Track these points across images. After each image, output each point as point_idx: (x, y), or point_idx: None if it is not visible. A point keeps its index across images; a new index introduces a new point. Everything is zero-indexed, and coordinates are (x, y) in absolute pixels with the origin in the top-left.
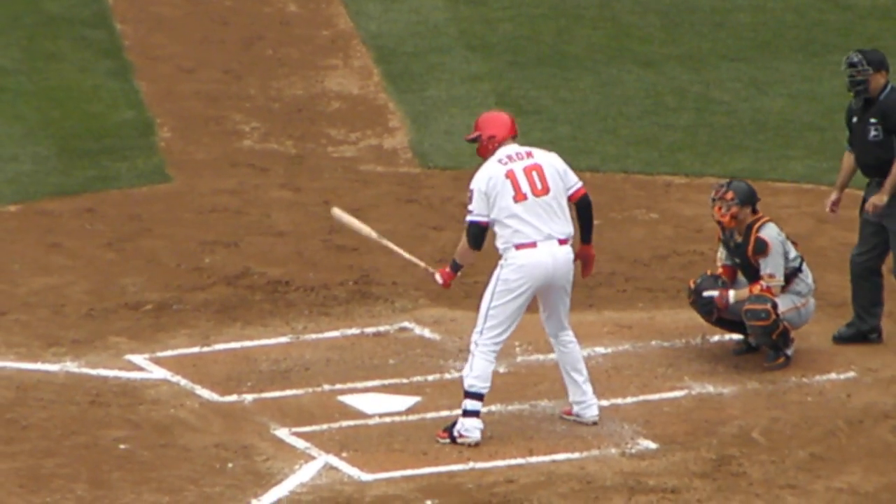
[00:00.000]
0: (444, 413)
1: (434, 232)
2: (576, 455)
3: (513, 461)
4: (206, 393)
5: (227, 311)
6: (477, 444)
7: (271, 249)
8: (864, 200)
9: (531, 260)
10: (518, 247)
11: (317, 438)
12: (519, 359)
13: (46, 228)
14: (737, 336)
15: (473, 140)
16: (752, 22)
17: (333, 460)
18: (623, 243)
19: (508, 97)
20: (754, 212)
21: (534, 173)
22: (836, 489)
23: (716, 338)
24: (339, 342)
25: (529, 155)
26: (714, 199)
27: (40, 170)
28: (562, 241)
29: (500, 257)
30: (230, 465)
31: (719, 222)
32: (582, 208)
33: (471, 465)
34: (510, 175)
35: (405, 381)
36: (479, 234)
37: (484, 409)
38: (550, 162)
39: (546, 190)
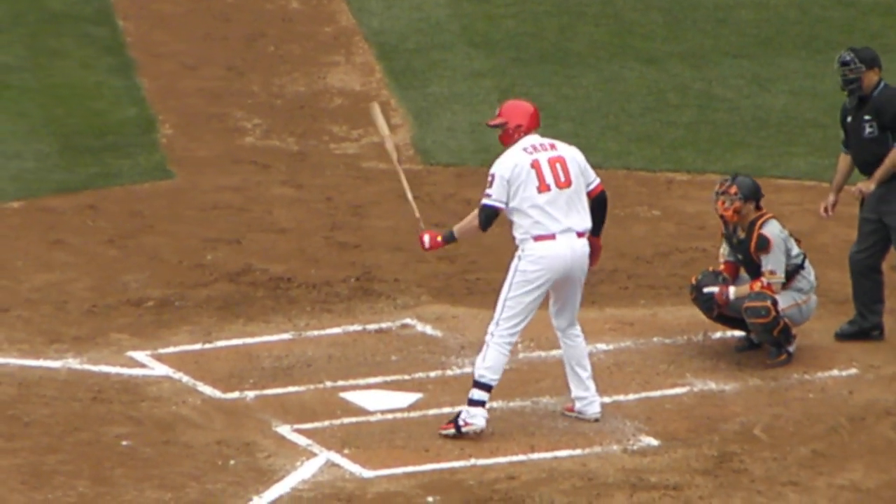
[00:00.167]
0: (447, 409)
1: (436, 229)
2: (577, 452)
3: (514, 458)
4: (207, 390)
5: (229, 308)
6: (481, 432)
7: (273, 246)
8: (864, 199)
9: (550, 252)
10: (537, 238)
11: (319, 435)
12: (521, 355)
13: (49, 225)
14: (739, 333)
15: (498, 126)
16: (755, 19)
17: (335, 457)
18: (625, 240)
19: (511, 94)
20: (758, 208)
21: (557, 165)
22: (837, 486)
23: (718, 334)
24: (341, 339)
25: (553, 147)
26: (718, 194)
27: (43, 167)
28: (580, 234)
29: (516, 248)
30: (232, 461)
31: (722, 217)
32: (599, 203)
33: (472, 461)
34: (535, 165)
35: (407, 377)
36: (492, 218)
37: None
38: (573, 156)
39: (569, 183)
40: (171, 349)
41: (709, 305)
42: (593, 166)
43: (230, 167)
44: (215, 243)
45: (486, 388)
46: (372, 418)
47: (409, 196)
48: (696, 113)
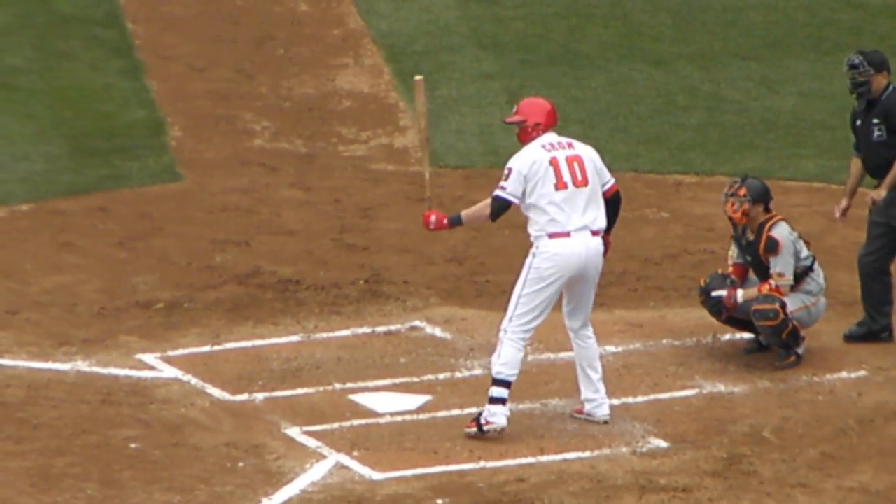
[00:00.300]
0: (455, 412)
1: (445, 231)
2: (587, 454)
3: (524, 460)
4: (216, 392)
5: (238, 310)
6: (502, 430)
7: (282, 248)
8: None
9: (564, 250)
10: (552, 235)
11: (328, 437)
12: (530, 357)
13: (58, 227)
14: (748, 335)
15: (515, 123)
16: (764, 20)
17: (344, 459)
18: (634, 242)
19: (520, 96)
20: (767, 210)
21: (575, 164)
22: (847, 488)
23: (727, 337)
24: (350, 341)
25: (570, 145)
26: (727, 195)
27: (52, 169)
28: (594, 233)
29: (531, 245)
30: (241, 464)
31: (731, 219)
32: (613, 203)
33: (482, 463)
34: (553, 162)
35: (416, 379)
36: (503, 210)
37: None
38: (590, 156)
39: (585, 181)
40: (180, 351)
41: (718, 309)
42: None
43: (239, 169)
44: (224, 245)
45: (504, 384)
46: (381, 420)
47: (427, 174)
48: (705, 115)
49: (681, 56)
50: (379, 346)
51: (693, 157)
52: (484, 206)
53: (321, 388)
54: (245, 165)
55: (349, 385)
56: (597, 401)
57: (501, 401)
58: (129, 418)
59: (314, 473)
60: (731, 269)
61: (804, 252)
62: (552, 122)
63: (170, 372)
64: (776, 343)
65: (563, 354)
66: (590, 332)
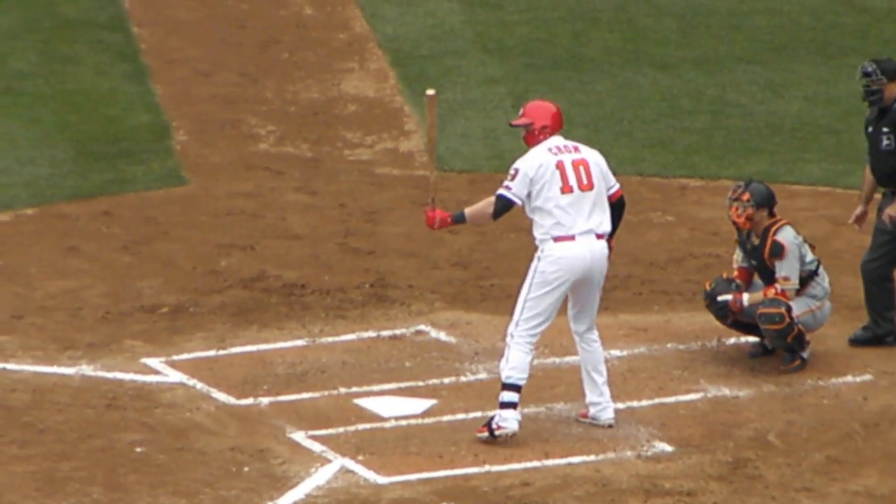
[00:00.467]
0: (461, 416)
1: (450, 235)
2: (591, 458)
3: (528, 464)
4: (221, 396)
5: (242, 314)
6: (513, 435)
7: (287, 252)
8: (880, 209)
9: (570, 253)
10: (556, 239)
11: (333, 441)
12: (535, 362)
13: (63, 232)
14: (752, 339)
15: (522, 126)
16: (768, 25)
17: (349, 463)
18: (639, 246)
19: (524, 100)
20: (771, 214)
21: (581, 168)
22: (852, 492)
23: (731, 340)
24: (355, 345)
25: (576, 149)
26: (731, 200)
27: (57, 173)
28: (599, 237)
29: (536, 249)
30: (246, 468)
31: (735, 223)
32: (617, 208)
33: (486, 467)
34: (560, 166)
35: (421, 383)
36: (505, 209)
37: None
38: (595, 159)
39: (591, 185)
40: (185, 356)
41: (723, 313)
42: None
43: (244, 173)
44: (229, 249)
45: (514, 388)
46: (386, 424)
47: (433, 178)
48: (710, 119)
49: (685, 60)
50: (384, 350)
51: (698, 161)
52: (487, 204)
53: (326, 393)
54: (250, 170)
55: (354, 389)
56: (601, 404)
57: (512, 405)
58: (135, 422)
59: (319, 477)
60: (736, 273)
61: (809, 256)
62: (559, 126)
63: (175, 376)
64: (781, 347)
65: (568, 359)
66: (595, 335)
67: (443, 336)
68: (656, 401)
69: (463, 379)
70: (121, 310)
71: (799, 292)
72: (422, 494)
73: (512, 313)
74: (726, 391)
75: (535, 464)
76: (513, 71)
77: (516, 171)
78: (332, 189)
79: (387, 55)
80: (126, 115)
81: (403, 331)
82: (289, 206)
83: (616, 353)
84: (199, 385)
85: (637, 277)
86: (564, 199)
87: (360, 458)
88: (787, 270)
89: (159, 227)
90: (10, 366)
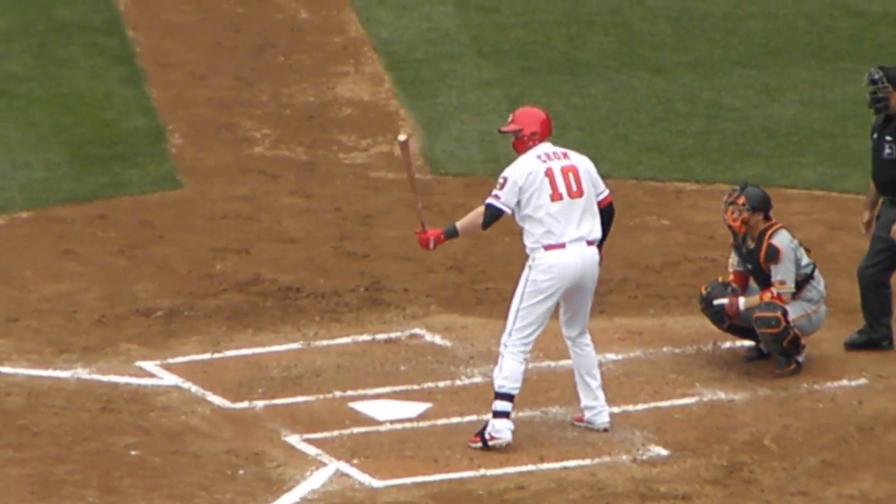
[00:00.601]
0: (456, 420)
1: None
2: (587, 462)
3: (524, 468)
4: (217, 399)
5: (238, 318)
6: (507, 445)
7: (282, 256)
8: (878, 217)
9: (561, 261)
10: (547, 247)
11: (328, 445)
12: (530, 365)
13: (58, 235)
14: (748, 343)
15: (511, 133)
16: (764, 29)
17: (344, 467)
18: (634, 250)
19: (520, 104)
20: (767, 218)
21: (570, 175)
22: (847, 496)
23: (727, 344)
24: (350, 348)
25: (566, 156)
26: (726, 204)
27: (52, 176)
28: (589, 243)
29: (527, 258)
30: (241, 471)
31: (731, 227)
32: (606, 214)
33: (482, 471)
34: (549, 173)
35: (416, 387)
36: (495, 218)
37: None
38: (585, 166)
39: (581, 192)
40: (180, 359)
41: (719, 317)
42: (602, 176)
43: (239, 177)
44: (224, 253)
45: (507, 397)
46: (381, 428)
47: (419, 198)
48: (705, 122)
49: (681, 64)
50: (379, 354)
51: (693, 165)
52: (476, 214)
53: (321, 396)
54: (245, 173)
55: (349, 393)
56: (596, 408)
57: (506, 414)
58: (130, 426)
59: (314, 481)
60: (731, 277)
61: (805, 260)
62: (548, 132)
63: (170, 379)
64: (777, 351)
65: (563, 362)
66: (587, 340)
67: (438, 340)
68: (652, 405)
69: (458, 382)
70: (116, 313)
71: (795, 296)
72: (417, 498)
73: (504, 322)
74: (722, 395)
75: (531, 467)
76: (508, 74)
77: (505, 179)
78: (327, 192)
79: (382, 59)
80: (121, 118)
81: (398, 334)
82: (284, 210)
83: (611, 356)
84: (195, 388)
85: (632, 281)
86: (554, 206)
87: (355, 461)
88: (782, 274)
89: (154, 230)
90: (5, 369)
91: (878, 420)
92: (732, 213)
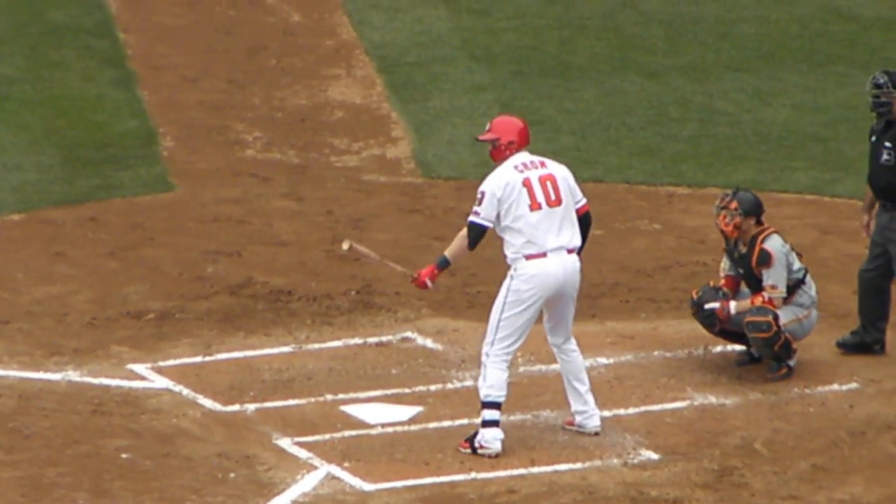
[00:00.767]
0: (447, 423)
1: (437, 242)
2: (578, 465)
3: (514, 471)
4: (208, 402)
5: (229, 321)
6: (497, 455)
7: (274, 259)
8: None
9: (542, 270)
10: (528, 257)
11: (319, 448)
12: (521, 369)
13: (49, 237)
14: (739, 347)
15: (489, 141)
16: (756, 33)
17: (336, 470)
18: (626, 254)
19: (512, 107)
20: (759, 223)
21: (548, 183)
22: (838, 500)
23: (718, 349)
24: (341, 352)
25: (543, 164)
26: (718, 208)
27: (44, 179)
28: (569, 251)
29: (508, 267)
30: (232, 474)
31: (723, 231)
32: (584, 224)
33: (472, 475)
34: (527, 183)
35: (407, 390)
36: (480, 236)
37: None
38: (563, 174)
39: (559, 201)
40: (171, 362)
41: (710, 321)
42: (594, 180)
43: (231, 180)
44: (216, 256)
45: (494, 406)
46: (372, 431)
47: (392, 265)
48: (697, 127)
49: (673, 68)
50: (370, 357)
51: (685, 169)
52: (461, 238)
53: (312, 399)
54: (237, 176)
55: (340, 396)
56: (587, 412)
57: (494, 423)
58: (121, 428)
59: (305, 484)
60: (722, 281)
61: (796, 264)
62: (525, 141)
63: (161, 382)
64: (768, 355)
65: (554, 366)
66: (573, 346)
67: (429, 343)
68: (643, 408)
69: (449, 386)
70: (107, 315)
71: (786, 301)
72: (408, 501)
73: (486, 332)
74: (713, 399)
75: (522, 471)
76: (500, 78)
77: (482, 193)
78: (318, 196)
79: (374, 62)
80: (113, 121)
81: (390, 338)
82: (275, 213)
83: (603, 360)
84: (186, 391)
85: (624, 285)
86: (534, 216)
87: (347, 464)
88: (774, 279)
89: (146, 233)
90: None
91: (869, 424)
92: (724, 217)
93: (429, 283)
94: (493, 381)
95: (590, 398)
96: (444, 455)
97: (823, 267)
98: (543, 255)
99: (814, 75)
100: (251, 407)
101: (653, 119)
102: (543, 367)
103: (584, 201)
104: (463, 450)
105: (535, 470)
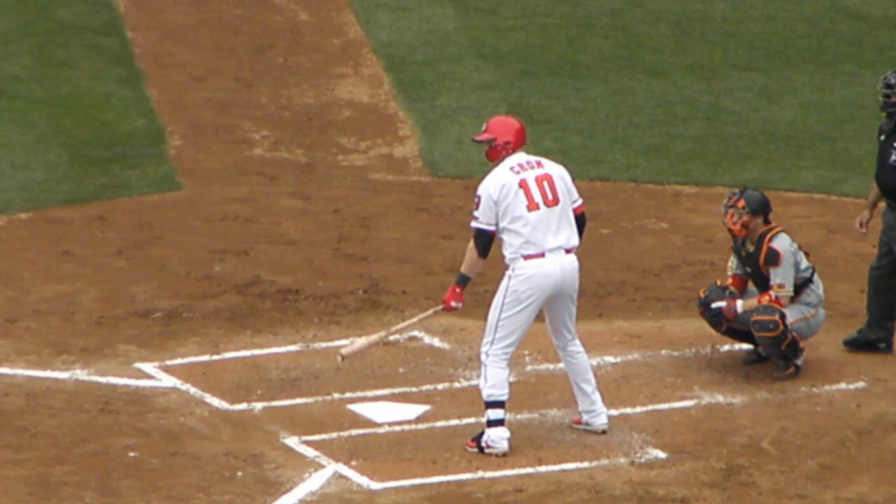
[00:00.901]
0: (454, 422)
1: (444, 241)
2: (585, 464)
3: (522, 470)
4: (215, 401)
5: (237, 320)
6: (505, 454)
7: (281, 258)
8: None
9: (540, 270)
10: (526, 257)
11: (326, 447)
12: (528, 368)
13: (57, 236)
14: (746, 346)
15: (485, 142)
16: (764, 32)
17: (343, 469)
18: (633, 253)
19: (519, 106)
20: (767, 222)
21: (545, 183)
22: (845, 499)
23: (725, 347)
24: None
25: (539, 164)
26: (726, 207)
27: (51, 177)
28: (568, 251)
29: (507, 267)
30: (239, 473)
31: (730, 230)
32: (578, 224)
33: (480, 473)
34: (523, 184)
35: (415, 389)
36: (488, 242)
37: None
38: (559, 174)
39: (556, 201)
40: (178, 360)
41: (718, 320)
42: (601, 179)
43: (238, 178)
44: (223, 255)
45: (498, 405)
46: (380, 430)
47: (418, 318)
48: (705, 125)
49: (680, 67)
50: (378, 356)
51: (692, 168)
52: (471, 249)
53: (320, 398)
54: (244, 175)
55: (348, 395)
56: (594, 410)
57: (500, 422)
58: (128, 427)
59: (312, 483)
60: (730, 280)
61: (804, 263)
62: (522, 142)
63: (168, 381)
64: (775, 354)
65: (561, 365)
66: (577, 346)
67: (436, 342)
68: (650, 407)
69: (456, 385)
70: (115, 314)
71: (793, 300)
72: (415, 500)
73: (484, 332)
74: (720, 398)
75: (529, 470)
76: (507, 77)
77: (479, 197)
78: (326, 194)
79: (381, 61)
80: (121, 119)
81: (397, 336)
82: (283, 212)
83: (610, 359)
84: (193, 390)
85: (631, 284)
86: (531, 216)
87: (354, 463)
88: (781, 277)
89: (153, 231)
90: (4, 370)
91: (876, 423)
92: (732, 216)
93: (454, 305)
94: (494, 380)
95: (597, 397)
96: (452, 454)
97: (830, 266)
98: (542, 255)
99: (821, 74)
100: (258, 406)
101: (660, 118)
102: (551, 367)
103: (580, 202)
104: (470, 449)
105: (543, 469)
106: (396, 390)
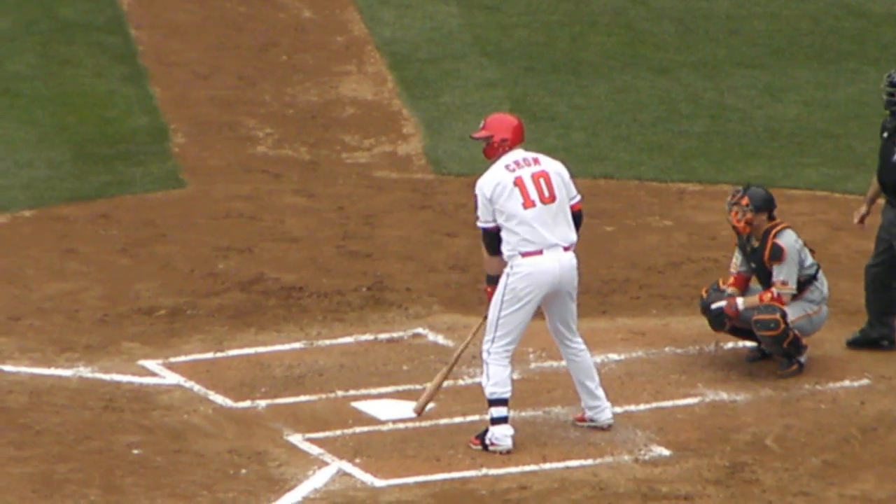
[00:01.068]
0: (458, 419)
1: (448, 238)
2: (589, 462)
3: (526, 467)
4: (219, 398)
5: (240, 317)
6: (509, 452)
7: (285, 255)
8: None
9: (538, 268)
10: (524, 255)
11: (330, 444)
12: (532, 365)
13: (61, 234)
14: (750, 343)
15: (482, 139)
16: (767, 29)
17: (347, 466)
18: (637, 250)
19: (523, 104)
20: (771, 218)
21: (541, 180)
22: (849, 497)
23: (729, 345)
24: (352, 348)
25: (536, 161)
26: (730, 204)
27: (55, 175)
28: (566, 248)
29: (505, 265)
30: (243, 470)
31: (735, 227)
32: (575, 220)
33: (484, 471)
34: (518, 182)
35: (419, 387)
36: (493, 239)
37: None
38: (556, 170)
39: (553, 198)
40: (182, 358)
41: (720, 321)
42: (605, 176)
43: (242, 176)
44: (227, 252)
45: (501, 402)
46: (383, 428)
47: (467, 340)
48: (708, 123)
49: (684, 64)
50: (381, 354)
51: (696, 166)
52: (482, 248)
53: (324, 396)
54: (248, 172)
55: (352, 392)
56: (599, 406)
57: (503, 419)
58: (132, 424)
59: (316, 480)
60: (731, 279)
61: (808, 260)
62: (519, 139)
63: (172, 378)
64: (778, 352)
65: (566, 362)
66: (579, 344)
67: (440, 339)
68: (654, 405)
69: (461, 382)
70: (118, 312)
71: (797, 297)
72: (419, 497)
73: (485, 331)
74: (724, 395)
75: (533, 467)
76: (511, 74)
77: (476, 196)
78: (330, 192)
79: (385, 58)
80: (124, 117)
81: (401, 334)
82: (287, 209)
83: (614, 356)
84: (197, 387)
85: (635, 281)
86: (528, 214)
87: (358, 460)
88: (785, 274)
89: (157, 229)
90: (8, 367)
91: (880, 421)
92: (736, 213)
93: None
94: (496, 378)
95: (600, 393)
96: (456, 451)
97: (834, 263)
98: (540, 252)
99: (825, 71)
100: (262, 403)
101: (664, 115)
102: (554, 364)
103: (577, 199)
104: (473, 446)
105: (547, 466)
106: (400, 388)
